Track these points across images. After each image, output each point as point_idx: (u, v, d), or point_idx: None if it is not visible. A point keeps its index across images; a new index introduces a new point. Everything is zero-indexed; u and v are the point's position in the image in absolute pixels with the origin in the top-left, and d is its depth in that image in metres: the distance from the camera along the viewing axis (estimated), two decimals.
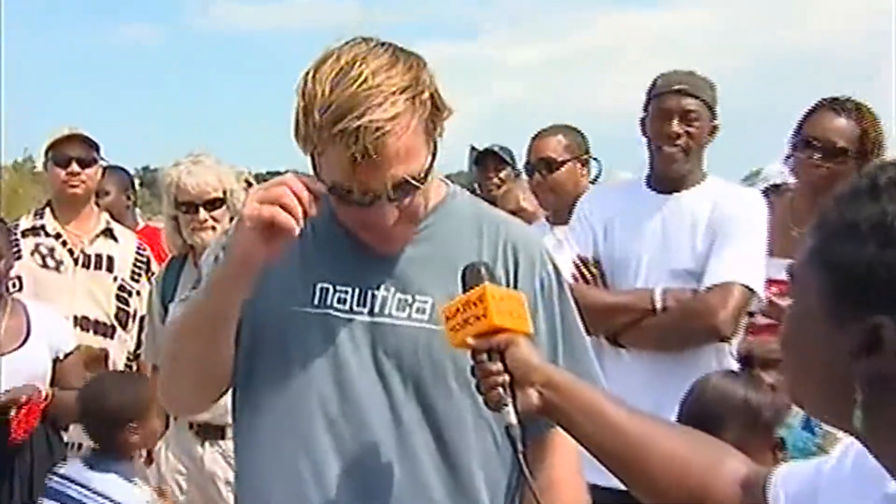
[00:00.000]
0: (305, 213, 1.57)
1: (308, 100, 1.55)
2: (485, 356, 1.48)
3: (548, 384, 1.46)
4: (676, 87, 3.00)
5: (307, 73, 1.58)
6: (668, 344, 2.92)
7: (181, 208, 3.43)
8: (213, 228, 3.38)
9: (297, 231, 1.56)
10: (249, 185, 3.54)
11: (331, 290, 1.71)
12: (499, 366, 1.47)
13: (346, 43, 1.60)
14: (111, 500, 2.89)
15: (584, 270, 3.04)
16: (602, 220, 3.08)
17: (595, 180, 3.78)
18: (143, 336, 3.74)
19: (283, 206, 1.55)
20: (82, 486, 2.94)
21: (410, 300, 1.71)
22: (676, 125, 2.99)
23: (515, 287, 1.71)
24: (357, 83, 1.53)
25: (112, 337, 3.84)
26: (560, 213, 3.62)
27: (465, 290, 1.52)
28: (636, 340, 2.95)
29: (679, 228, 2.98)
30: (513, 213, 3.71)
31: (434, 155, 1.64)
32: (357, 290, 1.71)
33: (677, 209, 3.02)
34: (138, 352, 3.81)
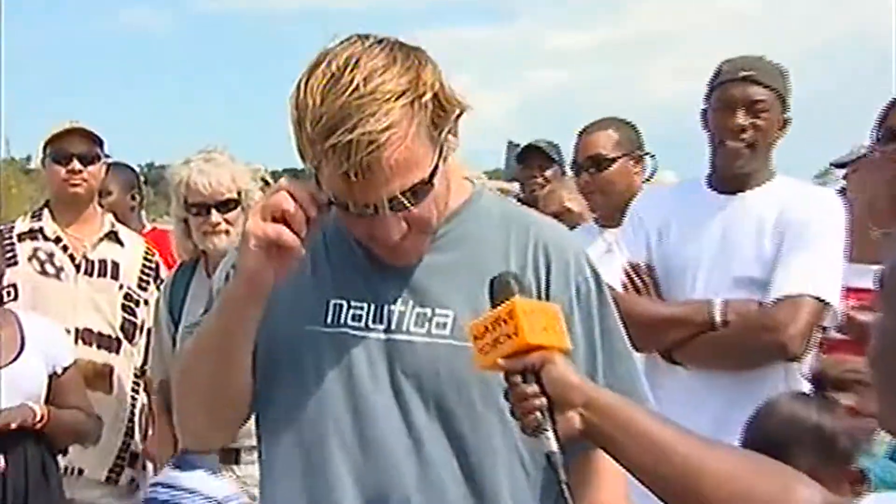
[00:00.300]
0: (310, 221, 1.60)
1: (300, 111, 1.58)
2: (519, 378, 1.48)
3: (589, 405, 1.46)
4: (743, 74, 2.96)
5: (299, 81, 1.59)
6: (729, 362, 2.90)
7: (191, 210, 3.45)
8: (227, 232, 3.40)
9: (303, 250, 1.61)
10: (266, 183, 3.56)
11: (345, 307, 1.74)
12: (535, 388, 1.47)
13: (341, 43, 1.61)
14: (202, 495, 3.10)
15: (636, 278, 3.02)
16: (657, 222, 3.07)
17: (649, 179, 3.76)
18: (150, 349, 3.75)
19: (285, 216, 1.59)
20: (172, 487, 3.15)
21: (429, 314, 1.72)
22: (742, 117, 2.95)
23: (548, 295, 1.72)
24: (348, 92, 1.54)
25: (117, 351, 3.83)
26: (610, 215, 3.62)
27: (493, 305, 1.53)
28: (693, 357, 2.92)
29: (743, 232, 2.95)
30: (556, 215, 3.78)
31: (442, 157, 1.64)
32: (373, 306, 1.73)
33: (741, 211, 2.99)
34: (146, 367, 3.83)
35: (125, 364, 3.86)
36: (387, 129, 1.54)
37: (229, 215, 3.43)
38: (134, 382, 3.89)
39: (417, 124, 1.58)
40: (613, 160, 3.67)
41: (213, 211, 3.41)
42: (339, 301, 1.74)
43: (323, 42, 1.61)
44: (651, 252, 3.05)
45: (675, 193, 3.17)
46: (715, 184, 3.05)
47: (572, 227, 3.79)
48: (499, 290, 1.53)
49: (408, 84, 1.57)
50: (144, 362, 3.85)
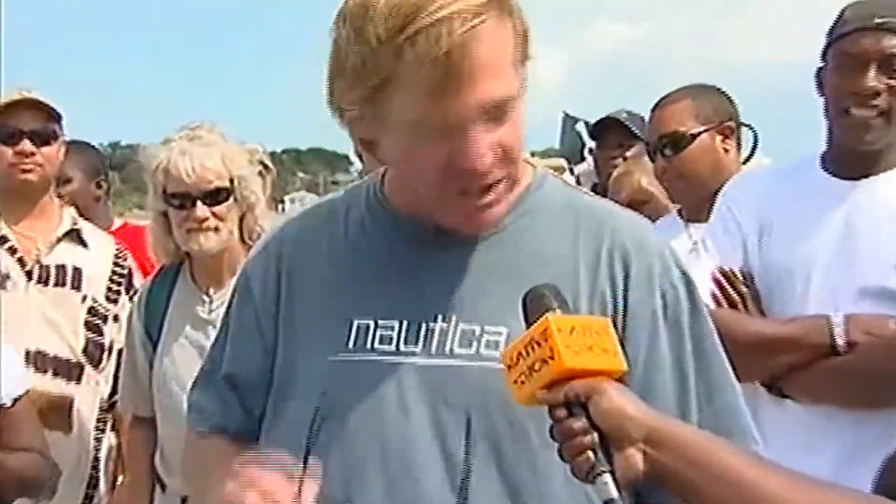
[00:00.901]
0: None
1: (359, 15, 1.62)
2: (563, 411, 1.51)
3: (652, 439, 1.48)
4: (877, 20, 2.87)
5: None
6: (854, 397, 2.82)
7: (172, 202, 3.44)
8: (216, 230, 3.41)
9: None
10: (266, 168, 3.62)
11: (371, 327, 1.77)
12: (583, 422, 1.50)
13: None
14: None
15: (730, 288, 2.95)
16: (756, 216, 3.00)
17: (748, 159, 3.74)
18: (120, 377, 3.73)
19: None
20: None
21: (478, 332, 1.74)
22: (874, 77, 2.85)
23: (626, 306, 1.75)
24: None
25: (78, 379, 3.80)
26: (696, 205, 3.61)
27: (528, 325, 1.56)
28: (807, 390, 2.85)
29: (871, 228, 2.88)
30: (631, 203, 3.86)
31: (522, 93, 1.69)
32: (406, 324, 1.76)
33: (869, 201, 2.91)
34: (114, 399, 3.80)
35: (88, 396, 3.81)
36: (481, 9, 1.60)
37: (218, 208, 3.42)
38: (99, 419, 3.86)
39: (504, 31, 1.64)
40: (693, 137, 3.64)
41: (199, 203, 3.40)
42: (363, 320, 1.77)
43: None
44: (749, 254, 2.98)
45: (780, 178, 3.08)
46: (834, 165, 2.97)
47: (652, 220, 3.80)
48: (532, 307, 1.56)
49: None
50: (113, 393, 3.82)
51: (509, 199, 1.76)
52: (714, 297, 2.90)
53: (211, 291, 3.50)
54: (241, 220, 3.50)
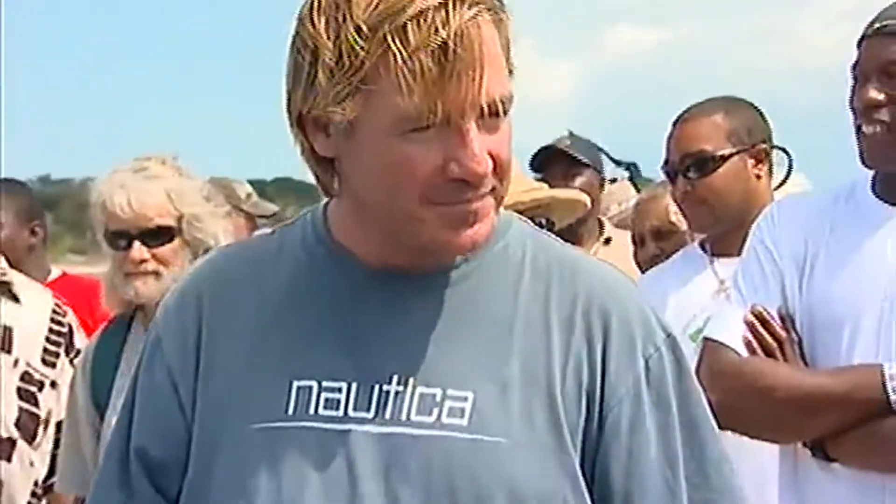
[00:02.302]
0: None
1: (337, 3, 1.62)
2: None
3: None
4: (877, 25, 2.81)
5: None
6: None
7: (112, 241, 3.39)
8: (157, 274, 3.34)
9: None
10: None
11: (314, 390, 1.73)
12: None
13: None
14: None
15: (765, 333, 2.83)
16: (796, 251, 2.90)
17: (781, 185, 3.68)
18: (59, 454, 3.59)
19: None
20: None
21: (439, 396, 1.71)
22: (873, 88, 2.77)
23: (604, 377, 1.73)
24: None
25: (9, 458, 3.66)
26: (721, 238, 3.56)
27: None
28: (858, 453, 2.73)
29: None
30: (656, 233, 4.09)
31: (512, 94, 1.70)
32: (355, 386, 1.72)
33: None
34: (51, 480, 3.65)
35: (20, 476, 3.67)
36: (477, 1, 1.61)
37: (160, 250, 3.35)
38: None
39: (495, 33, 1.65)
40: (723, 159, 3.54)
41: (136, 243, 3.33)
42: (305, 382, 1.73)
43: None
44: (788, 295, 2.87)
45: (825, 206, 2.96)
46: (880, 189, 2.87)
47: (670, 253, 3.87)
48: None
49: None
50: (50, 474, 3.66)
51: (493, 221, 1.72)
52: (747, 343, 2.80)
53: None
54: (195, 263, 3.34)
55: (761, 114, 3.69)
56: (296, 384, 1.73)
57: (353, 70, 1.61)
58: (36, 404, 3.71)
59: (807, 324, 2.84)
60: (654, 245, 4.24)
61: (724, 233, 3.55)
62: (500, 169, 1.70)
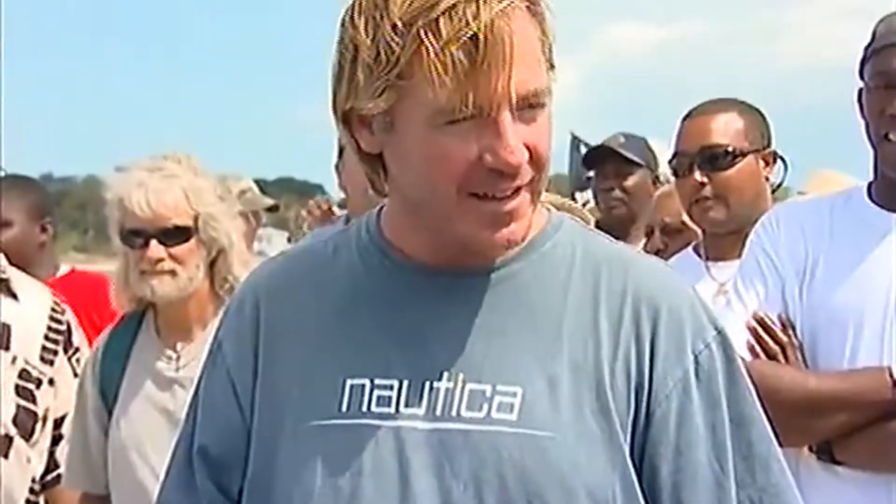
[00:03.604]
0: None
1: (374, 2, 1.66)
2: None
3: None
4: None
5: None
6: None
7: (128, 239, 3.39)
8: (173, 273, 3.35)
9: None
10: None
11: (367, 388, 1.75)
12: None
13: None
14: None
15: (767, 337, 2.88)
16: (797, 256, 2.94)
17: (775, 190, 3.71)
18: (61, 449, 3.62)
19: None
20: None
21: (489, 392, 1.72)
22: None
23: (651, 372, 1.73)
24: None
25: (6, 454, 3.62)
26: (720, 240, 3.60)
27: None
28: (864, 455, 2.77)
29: None
30: (670, 230, 4.07)
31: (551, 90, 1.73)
32: (406, 384, 1.74)
33: None
34: (48, 477, 3.67)
35: (17, 473, 3.64)
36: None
37: (177, 249, 3.35)
38: (29, 501, 3.69)
39: (531, 26, 1.68)
40: (742, 154, 3.57)
41: (153, 242, 3.33)
42: (358, 381, 1.76)
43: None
44: (789, 300, 2.91)
45: (824, 212, 3.01)
46: (883, 196, 2.92)
47: (674, 251, 3.91)
48: None
49: None
50: (48, 470, 3.67)
51: (531, 219, 1.75)
52: (750, 347, 2.84)
53: (178, 346, 3.40)
54: (213, 265, 3.42)
55: (766, 120, 3.70)
56: (349, 382, 1.76)
57: (390, 66, 1.64)
58: (34, 401, 3.69)
59: (808, 329, 2.86)
60: (660, 239, 4.24)
61: (725, 234, 3.55)
62: (537, 159, 1.72)
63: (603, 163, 5.02)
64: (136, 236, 3.35)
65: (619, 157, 4.92)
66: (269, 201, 6.48)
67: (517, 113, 1.67)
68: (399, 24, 1.63)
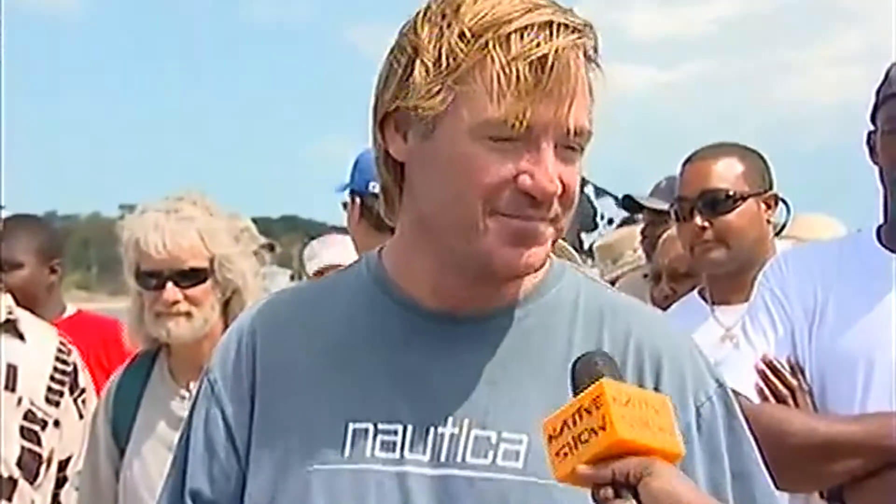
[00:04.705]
0: None
1: (447, 11, 1.70)
2: (609, 492, 1.47)
3: None
4: None
5: None
6: None
7: (144, 281, 3.41)
8: (189, 315, 3.37)
9: None
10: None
11: (370, 432, 1.75)
12: None
13: None
14: None
15: (776, 381, 2.86)
16: (805, 300, 2.92)
17: (779, 233, 3.75)
18: (66, 491, 3.58)
19: None
20: None
21: (494, 439, 1.72)
22: None
23: None
24: None
25: (10, 497, 3.59)
26: (724, 285, 3.59)
27: (575, 393, 1.54)
28: (876, 500, 2.73)
29: None
30: (672, 273, 4.07)
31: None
32: (410, 428, 1.74)
33: None
34: None
35: None
36: (581, 31, 1.69)
37: (192, 291, 3.37)
38: None
39: (586, 67, 1.72)
40: (742, 198, 3.57)
41: (169, 284, 3.36)
42: (362, 424, 1.75)
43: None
44: (798, 344, 2.90)
45: (832, 256, 3.00)
46: (890, 240, 2.91)
47: (682, 296, 3.90)
48: (582, 373, 1.54)
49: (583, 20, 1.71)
50: None
51: (546, 258, 1.76)
52: (759, 391, 2.82)
53: (192, 386, 3.37)
54: (227, 305, 3.43)
55: (767, 163, 3.71)
56: (352, 426, 1.75)
57: (450, 70, 1.67)
58: (38, 443, 3.64)
59: (817, 372, 2.85)
60: (668, 286, 4.24)
61: (727, 278, 3.56)
62: (566, 198, 1.73)
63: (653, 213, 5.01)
64: (151, 278, 3.36)
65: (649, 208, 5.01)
66: (263, 240, 6.48)
67: (559, 149, 1.68)
68: (468, 32, 1.66)
